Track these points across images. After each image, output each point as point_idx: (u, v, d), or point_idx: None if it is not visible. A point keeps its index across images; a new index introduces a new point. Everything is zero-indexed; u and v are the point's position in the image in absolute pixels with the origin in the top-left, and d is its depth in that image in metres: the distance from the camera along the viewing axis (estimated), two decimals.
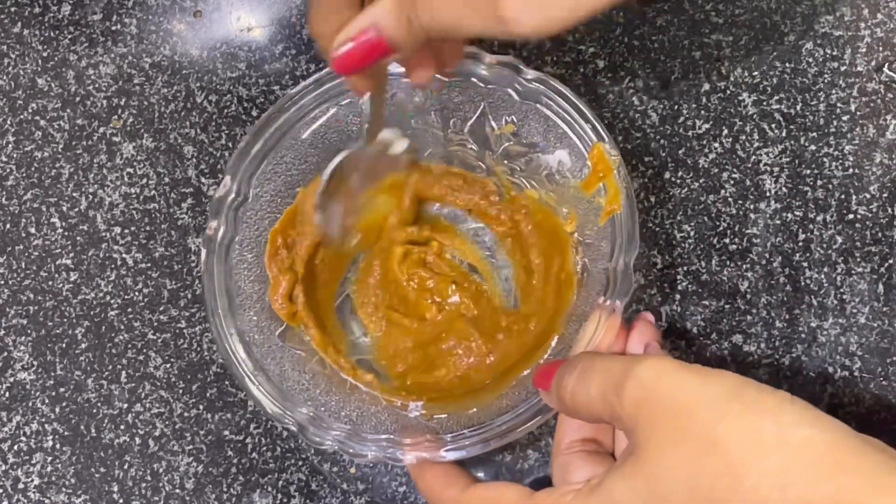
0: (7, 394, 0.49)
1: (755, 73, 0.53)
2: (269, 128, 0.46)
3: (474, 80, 0.46)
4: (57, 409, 0.49)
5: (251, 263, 0.46)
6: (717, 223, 0.51)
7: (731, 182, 0.52)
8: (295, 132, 0.47)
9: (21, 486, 0.47)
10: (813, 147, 0.52)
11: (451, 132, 0.49)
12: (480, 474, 0.49)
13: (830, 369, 0.50)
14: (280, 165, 0.47)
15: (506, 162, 0.49)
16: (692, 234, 0.51)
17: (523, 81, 0.46)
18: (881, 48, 0.53)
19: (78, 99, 0.55)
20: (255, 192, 0.46)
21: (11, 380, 0.49)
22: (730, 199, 0.51)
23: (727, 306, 0.50)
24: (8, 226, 0.52)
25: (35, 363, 0.50)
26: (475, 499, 0.40)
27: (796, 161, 0.52)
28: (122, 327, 0.50)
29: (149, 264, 0.52)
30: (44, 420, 0.49)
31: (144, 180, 0.53)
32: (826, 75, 0.53)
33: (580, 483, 0.37)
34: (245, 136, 0.46)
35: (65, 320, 0.50)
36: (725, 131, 0.52)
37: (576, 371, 0.36)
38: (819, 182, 0.51)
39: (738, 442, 0.30)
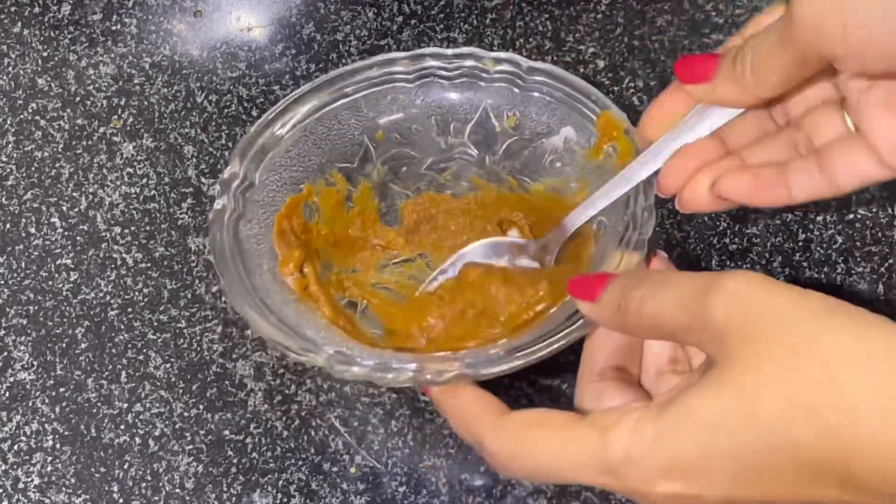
0: (7, 394, 0.49)
1: None
2: (276, 122, 0.46)
3: (475, 80, 0.47)
4: (57, 409, 0.49)
5: (260, 238, 0.46)
6: (717, 223, 0.51)
7: None
8: (300, 130, 0.47)
9: (21, 485, 0.47)
10: None
11: (451, 137, 0.49)
12: None
13: None
14: (285, 159, 0.47)
15: (506, 162, 0.49)
16: (692, 234, 0.51)
17: (521, 74, 0.46)
18: None
19: (78, 99, 0.55)
20: (261, 180, 0.46)
21: (11, 380, 0.49)
22: None
23: None
24: (8, 226, 0.52)
25: (35, 363, 0.50)
26: (518, 422, 0.35)
27: None
28: (122, 327, 0.50)
29: (149, 264, 0.52)
30: (44, 420, 0.49)
31: (144, 180, 0.53)
32: None
33: (637, 404, 0.34)
34: (254, 124, 0.46)
35: (65, 320, 0.50)
36: None
37: (646, 283, 0.34)
38: None
39: (840, 352, 0.29)
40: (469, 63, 0.47)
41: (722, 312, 0.31)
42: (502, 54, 0.47)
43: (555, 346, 0.39)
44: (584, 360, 0.40)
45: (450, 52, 0.47)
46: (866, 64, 0.33)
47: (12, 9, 0.56)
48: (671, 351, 0.40)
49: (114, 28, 0.56)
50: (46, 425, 0.48)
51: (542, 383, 0.48)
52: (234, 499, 0.47)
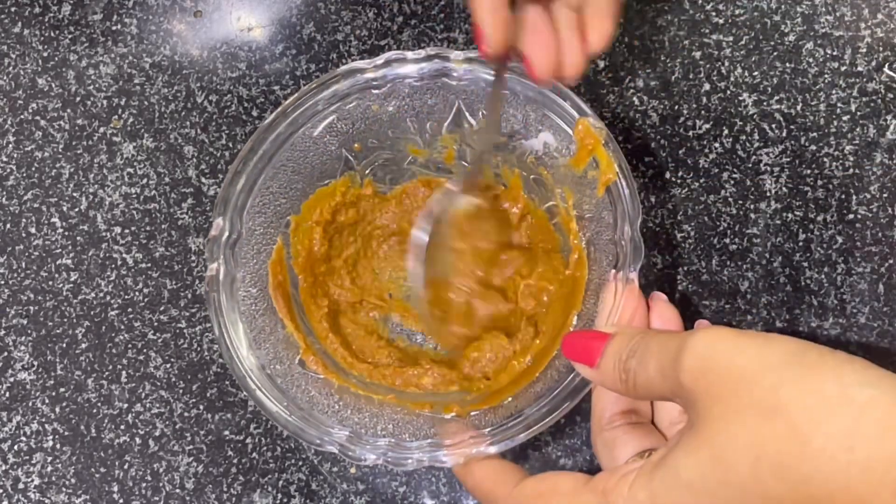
0: (7, 394, 0.49)
1: (755, 73, 0.53)
2: (249, 162, 0.45)
3: (445, 79, 0.46)
4: (57, 409, 0.49)
5: (257, 297, 0.45)
6: (717, 223, 0.51)
7: (732, 182, 0.51)
8: (275, 162, 0.46)
9: (21, 486, 0.47)
10: (813, 147, 0.52)
11: (428, 136, 0.49)
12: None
13: None
14: (267, 196, 0.46)
15: (487, 155, 0.49)
16: (692, 234, 0.51)
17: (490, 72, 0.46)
18: (881, 48, 0.53)
19: (78, 99, 0.55)
20: (247, 228, 0.45)
21: (11, 380, 0.49)
22: (730, 199, 0.51)
23: (727, 306, 0.50)
24: (8, 226, 0.52)
25: (35, 363, 0.50)
26: (529, 493, 0.38)
27: (796, 161, 0.52)
28: (123, 327, 0.50)
29: (149, 264, 0.52)
30: (44, 420, 0.49)
31: (145, 180, 0.53)
32: (826, 75, 0.53)
33: (632, 459, 0.36)
34: (227, 173, 0.45)
35: (65, 320, 0.50)
36: (726, 131, 0.52)
37: (637, 351, 0.36)
38: (819, 182, 0.51)
39: (802, 405, 0.29)
40: (436, 64, 0.46)
41: (689, 377, 0.32)
42: (470, 53, 0.46)
43: (563, 409, 0.41)
44: (594, 409, 0.41)
45: (413, 54, 0.46)
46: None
47: (12, 9, 0.56)
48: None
49: (114, 28, 0.56)
50: (46, 425, 0.48)
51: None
52: (234, 499, 0.47)
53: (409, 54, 0.46)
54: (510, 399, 0.44)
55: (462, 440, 0.41)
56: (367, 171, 0.49)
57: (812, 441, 0.29)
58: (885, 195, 0.51)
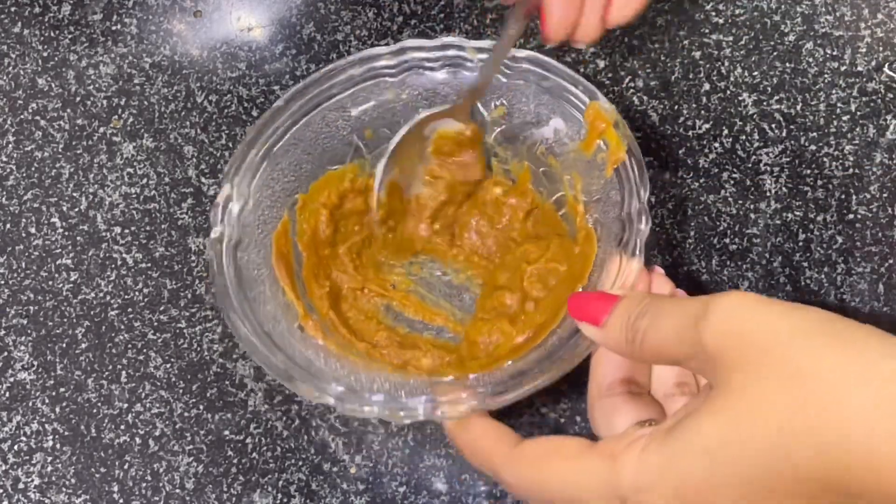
0: (7, 394, 0.49)
1: (755, 73, 0.53)
2: (262, 135, 0.46)
3: (460, 70, 0.46)
4: (57, 409, 0.49)
5: (259, 265, 0.45)
6: (717, 223, 0.51)
7: (731, 182, 0.52)
8: (287, 139, 0.46)
9: (21, 486, 0.47)
10: (813, 147, 0.52)
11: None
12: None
13: None
14: (276, 171, 0.46)
15: (498, 151, 0.49)
16: (692, 234, 0.51)
17: (509, 63, 0.46)
18: (881, 48, 0.53)
19: (78, 99, 0.55)
20: (255, 199, 0.45)
21: (11, 380, 0.49)
22: (730, 199, 0.51)
23: None
24: (8, 226, 0.52)
25: (35, 363, 0.50)
26: (531, 452, 0.36)
27: (796, 161, 0.52)
28: (123, 327, 0.50)
29: (149, 264, 0.52)
30: (44, 420, 0.49)
31: (144, 180, 0.53)
32: (826, 75, 0.53)
33: (632, 427, 0.35)
34: (239, 145, 0.45)
35: (65, 320, 0.50)
36: (725, 131, 0.52)
37: (648, 311, 0.35)
38: (819, 182, 0.51)
39: (829, 375, 0.29)
40: (451, 53, 0.46)
41: (713, 339, 0.32)
42: (484, 43, 0.46)
43: (563, 368, 0.39)
44: (593, 375, 0.40)
45: (431, 43, 0.47)
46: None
47: (12, 9, 0.56)
48: (678, 375, 0.40)
49: (114, 28, 0.56)
50: (46, 425, 0.48)
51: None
52: (234, 499, 0.47)
53: (426, 43, 0.46)
54: (509, 363, 0.43)
55: (458, 397, 0.40)
56: (375, 162, 0.49)
57: (838, 409, 0.29)
58: (885, 195, 0.51)
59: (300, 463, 0.48)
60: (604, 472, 0.33)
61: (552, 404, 0.48)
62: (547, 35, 0.41)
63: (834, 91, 0.52)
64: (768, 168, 0.52)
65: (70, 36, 0.56)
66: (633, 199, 0.43)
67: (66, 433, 0.48)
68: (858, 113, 0.52)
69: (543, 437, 0.37)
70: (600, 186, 0.45)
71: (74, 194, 0.53)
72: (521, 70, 0.46)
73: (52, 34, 0.56)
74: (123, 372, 0.49)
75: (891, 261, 0.50)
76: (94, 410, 0.49)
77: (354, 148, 0.49)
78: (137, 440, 0.48)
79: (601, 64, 0.54)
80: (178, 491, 0.47)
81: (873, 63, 0.52)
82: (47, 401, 0.49)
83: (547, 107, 0.46)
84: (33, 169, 0.53)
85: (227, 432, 0.48)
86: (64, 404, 0.49)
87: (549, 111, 0.47)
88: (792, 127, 0.52)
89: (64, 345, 0.50)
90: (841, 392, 0.29)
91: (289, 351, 0.43)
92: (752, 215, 0.51)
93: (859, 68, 0.52)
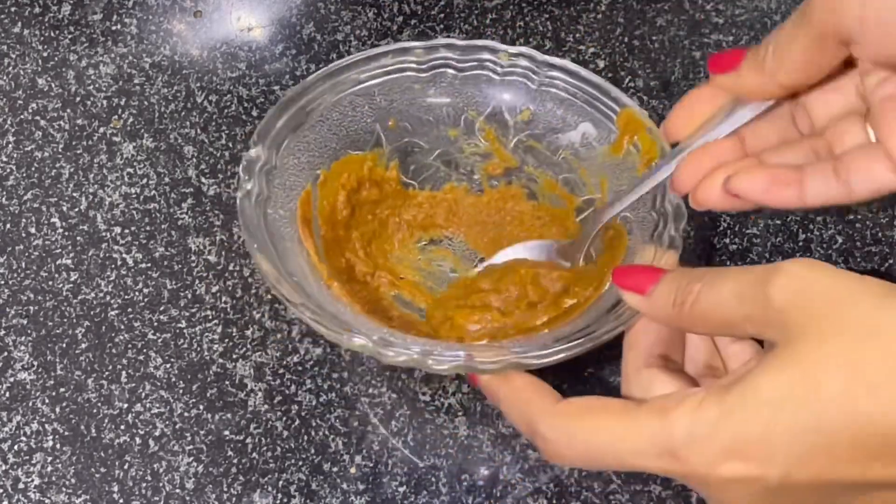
0: (7, 394, 0.49)
1: None
2: (293, 106, 0.46)
3: (489, 73, 0.47)
4: (57, 409, 0.49)
5: (286, 222, 0.45)
6: (717, 223, 0.51)
7: None
8: (315, 115, 0.46)
9: (21, 486, 0.47)
10: None
11: (463, 126, 0.49)
12: None
13: None
14: (303, 143, 0.46)
15: (518, 155, 0.49)
16: (692, 234, 0.51)
17: (536, 69, 0.47)
18: None
19: (78, 99, 0.55)
20: (281, 163, 0.45)
21: (11, 380, 0.49)
22: None
23: None
24: (8, 226, 0.52)
25: (35, 363, 0.50)
26: (575, 408, 0.35)
27: None
28: (123, 327, 0.50)
29: (149, 264, 0.52)
30: (44, 420, 0.49)
31: (144, 180, 0.53)
32: None
33: (684, 389, 0.35)
34: (273, 107, 0.45)
35: (65, 320, 0.50)
36: None
37: (704, 276, 0.35)
38: None
39: None
40: (484, 56, 0.47)
41: (783, 297, 0.32)
42: (518, 48, 0.47)
43: (603, 337, 0.39)
44: (628, 350, 0.40)
45: (464, 43, 0.47)
46: (882, 47, 0.33)
47: (12, 9, 0.56)
48: (709, 357, 0.40)
49: (114, 28, 0.56)
50: (46, 425, 0.48)
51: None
52: (234, 499, 0.47)
53: (459, 42, 0.47)
54: (546, 332, 0.43)
55: (496, 357, 0.39)
56: (393, 155, 0.49)
57: None
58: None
59: (300, 463, 0.48)
60: (654, 427, 0.33)
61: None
62: (676, 190, 0.41)
63: None
64: None
65: (70, 36, 0.56)
66: (669, 195, 0.43)
67: (66, 433, 0.48)
68: None
69: (588, 396, 0.36)
70: (630, 185, 0.45)
71: (74, 194, 0.53)
72: (551, 77, 0.47)
73: (52, 34, 0.56)
74: (123, 372, 0.49)
75: (891, 261, 0.50)
76: (94, 410, 0.49)
77: (376, 137, 0.49)
78: (137, 440, 0.48)
79: (601, 64, 0.54)
80: (178, 491, 0.47)
81: None
82: (47, 401, 0.49)
83: (575, 112, 0.47)
84: (33, 169, 0.53)
85: (227, 432, 0.48)
86: (64, 404, 0.49)
87: (576, 116, 0.47)
88: None
89: (64, 345, 0.50)
90: None
91: (316, 299, 0.42)
92: (752, 215, 0.51)
93: None
